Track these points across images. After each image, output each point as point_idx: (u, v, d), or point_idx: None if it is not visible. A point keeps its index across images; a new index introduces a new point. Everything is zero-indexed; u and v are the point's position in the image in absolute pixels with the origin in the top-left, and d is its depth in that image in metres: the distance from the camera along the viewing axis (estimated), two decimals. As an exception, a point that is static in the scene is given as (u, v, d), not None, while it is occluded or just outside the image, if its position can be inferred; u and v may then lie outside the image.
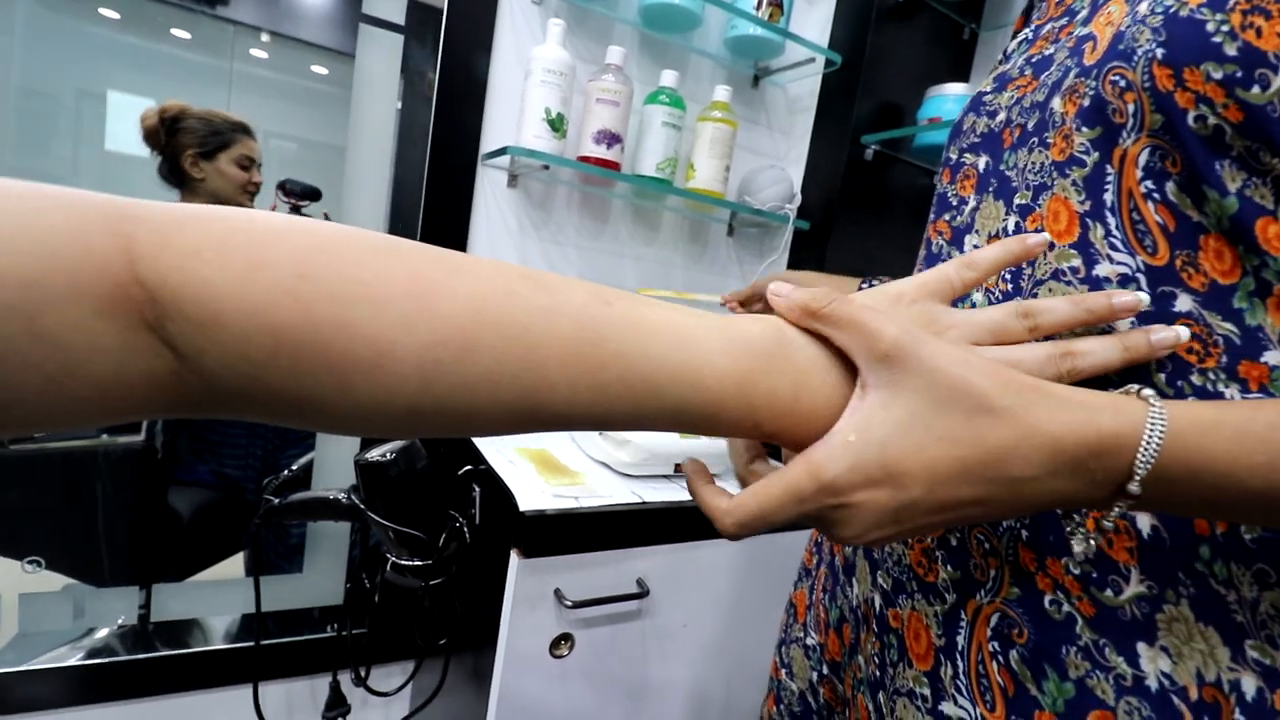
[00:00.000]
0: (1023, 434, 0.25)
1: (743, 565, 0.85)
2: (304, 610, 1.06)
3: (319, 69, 1.03)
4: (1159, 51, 0.28)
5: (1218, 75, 0.26)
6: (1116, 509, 0.26)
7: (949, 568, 0.36)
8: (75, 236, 0.20)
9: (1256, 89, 0.26)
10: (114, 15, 0.89)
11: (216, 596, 1.07)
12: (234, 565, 1.21)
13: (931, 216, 0.44)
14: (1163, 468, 0.24)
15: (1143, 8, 0.30)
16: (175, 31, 0.93)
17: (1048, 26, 0.41)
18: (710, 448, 0.86)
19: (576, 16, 1.02)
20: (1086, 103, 0.32)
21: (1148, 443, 0.24)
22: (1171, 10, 0.28)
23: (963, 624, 0.35)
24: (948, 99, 1.05)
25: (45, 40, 0.84)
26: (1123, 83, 0.29)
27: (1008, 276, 0.36)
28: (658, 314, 0.26)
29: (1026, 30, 0.44)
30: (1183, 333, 0.28)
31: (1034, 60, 0.39)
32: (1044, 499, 0.26)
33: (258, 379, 0.22)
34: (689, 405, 0.26)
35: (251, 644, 0.99)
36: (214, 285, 0.21)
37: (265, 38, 0.99)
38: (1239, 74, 0.26)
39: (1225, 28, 0.26)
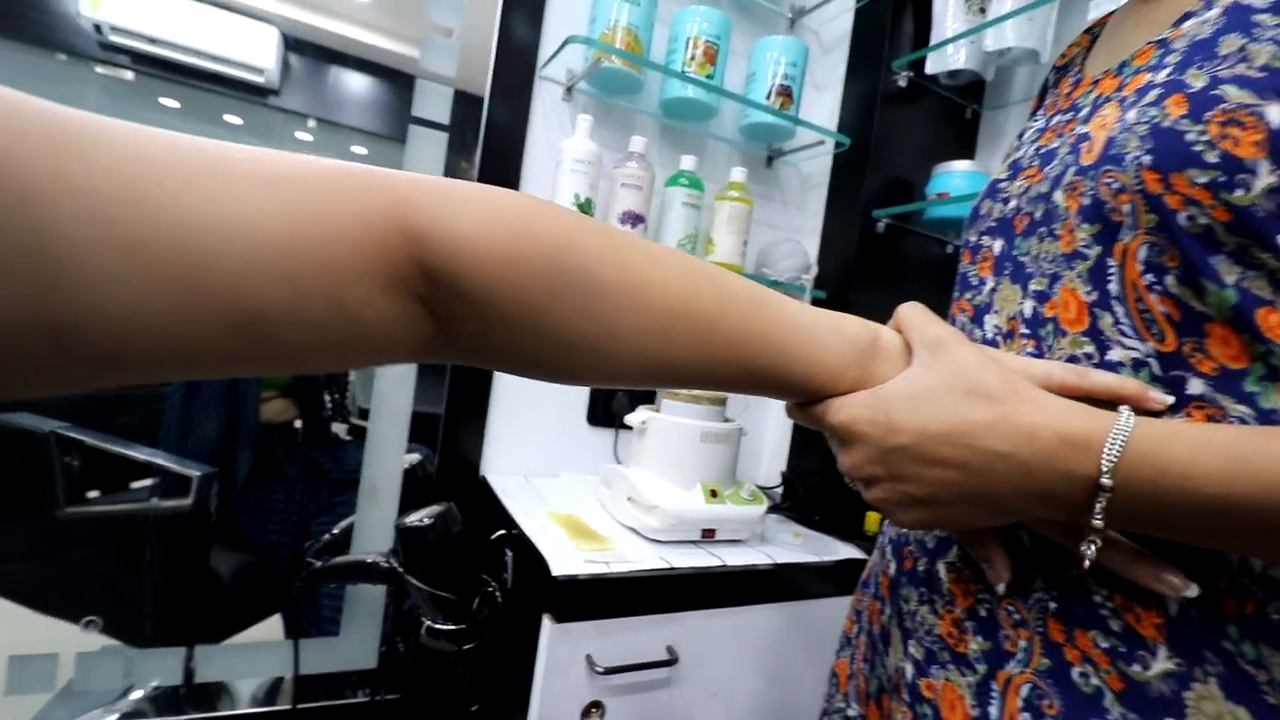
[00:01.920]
0: (1002, 416, 0.30)
1: (776, 633, 0.86)
2: (338, 674, 1.07)
3: (359, 149, 1.13)
4: (1146, 159, 0.31)
5: (1202, 180, 0.29)
6: (1097, 506, 0.29)
7: (979, 638, 0.37)
8: (364, 223, 0.24)
9: (1240, 192, 0.28)
10: (174, 104, 1.00)
11: (253, 659, 1.09)
12: (267, 628, 1.24)
13: (955, 294, 0.48)
14: (1129, 465, 0.28)
15: (1131, 115, 0.33)
16: (228, 117, 1.03)
17: (1056, 119, 0.43)
18: (735, 515, 0.88)
19: (602, 110, 1.11)
20: (1086, 201, 0.34)
21: (1113, 440, 0.28)
22: (1155, 121, 0.31)
23: (994, 694, 0.36)
24: (954, 175, 1.11)
25: None
26: (1117, 185, 0.32)
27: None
28: (792, 314, 0.34)
29: (1039, 119, 0.47)
30: (1168, 400, 0.32)
31: (1042, 151, 0.41)
32: (1022, 483, 0.30)
33: (505, 343, 0.28)
34: (801, 387, 0.35)
35: (286, 709, 1.01)
36: (485, 272, 0.26)
37: (311, 123, 1.09)
38: (1221, 178, 0.29)
39: (1204, 138, 0.29)
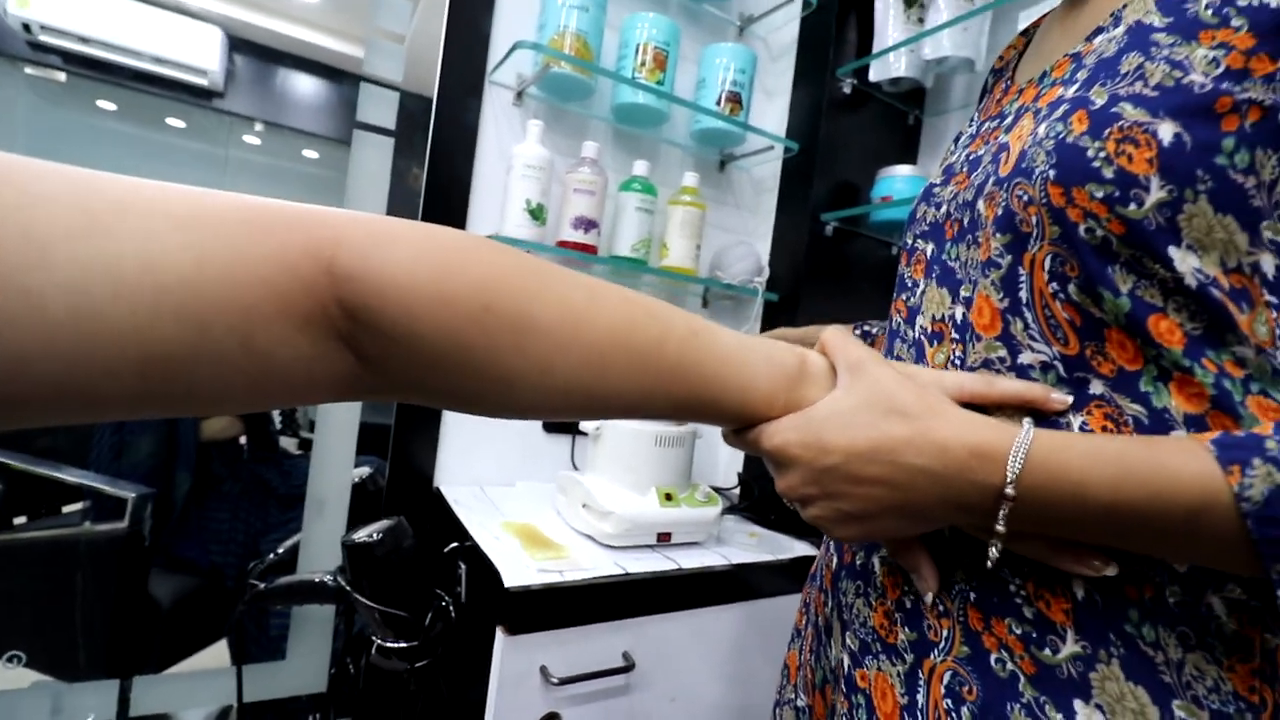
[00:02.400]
0: (918, 432, 0.32)
1: (734, 632, 0.86)
2: (287, 700, 1.03)
3: (310, 153, 1.10)
4: (1051, 173, 0.32)
5: (1099, 194, 0.31)
6: (1000, 513, 0.31)
7: (906, 629, 0.39)
8: (284, 264, 0.24)
9: (1133, 206, 0.30)
10: (111, 106, 0.95)
11: (197, 688, 1.04)
12: (213, 654, 1.18)
13: (894, 295, 0.49)
14: (1029, 473, 0.30)
15: (1041, 130, 0.34)
16: (170, 120, 0.99)
17: (986, 125, 0.45)
18: (690, 517, 0.88)
19: (554, 115, 1.11)
20: (1000, 211, 0.36)
21: (1016, 450, 0.30)
22: (1060, 136, 0.33)
23: (921, 682, 0.38)
24: (897, 179, 1.14)
25: (45, 130, 0.90)
26: (1025, 197, 0.34)
27: (948, 367, 0.40)
28: (726, 343, 0.35)
29: (972, 125, 0.49)
30: (1068, 400, 0.34)
31: (971, 158, 0.43)
32: (942, 496, 0.32)
33: (433, 381, 0.28)
34: (733, 414, 0.35)
35: (231, 738, 0.96)
36: (411, 310, 0.26)
37: (259, 126, 1.06)
38: (1117, 193, 0.30)
39: (1102, 154, 0.31)
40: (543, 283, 0.29)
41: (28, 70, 0.90)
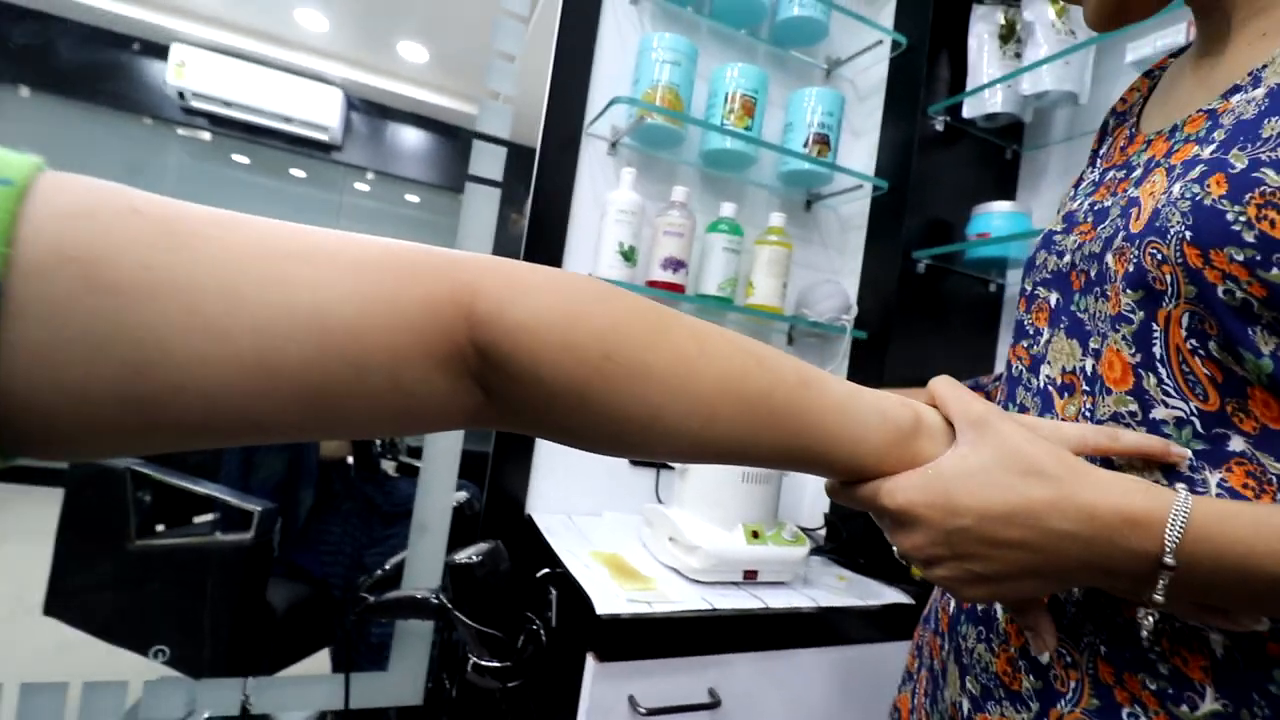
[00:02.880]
0: (1062, 495, 0.31)
1: (820, 677, 0.84)
2: (385, 710, 1.09)
3: (412, 197, 1.21)
4: (1187, 234, 0.32)
5: (1240, 258, 0.31)
6: (1160, 583, 0.29)
7: (1031, 677, 0.39)
8: (428, 309, 0.26)
9: (1275, 270, 0.30)
10: (245, 160, 1.09)
11: (303, 692, 1.12)
12: (317, 661, 1.26)
13: (1011, 340, 0.49)
14: (1190, 543, 0.29)
15: (1176, 189, 0.34)
16: (293, 171, 1.12)
17: (1110, 174, 0.45)
18: (777, 556, 0.88)
19: (645, 163, 1.17)
20: (1131, 268, 0.36)
21: (1174, 518, 0.29)
22: (1197, 198, 0.33)
23: None
24: (994, 215, 1.11)
25: (190, 181, 1.04)
26: (1159, 256, 0.34)
27: (1079, 419, 0.39)
28: (836, 394, 0.34)
29: (1094, 171, 0.49)
30: (1186, 453, 0.33)
31: (1096, 208, 0.43)
32: (1087, 560, 0.31)
33: (552, 420, 0.30)
34: (842, 467, 0.35)
35: (336, 743, 1.02)
36: (537, 356, 0.28)
37: (369, 175, 1.17)
38: (1258, 257, 0.30)
39: (1243, 218, 0.31)
40: (659, 329, 0.31)
41: (179, 131, 1.05)
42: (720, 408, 0.31)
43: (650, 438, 0.31)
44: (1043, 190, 1.21)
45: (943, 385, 0.37)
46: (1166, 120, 0.43)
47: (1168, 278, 0.34)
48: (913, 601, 0.92)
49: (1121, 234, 0.37)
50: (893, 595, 0.94)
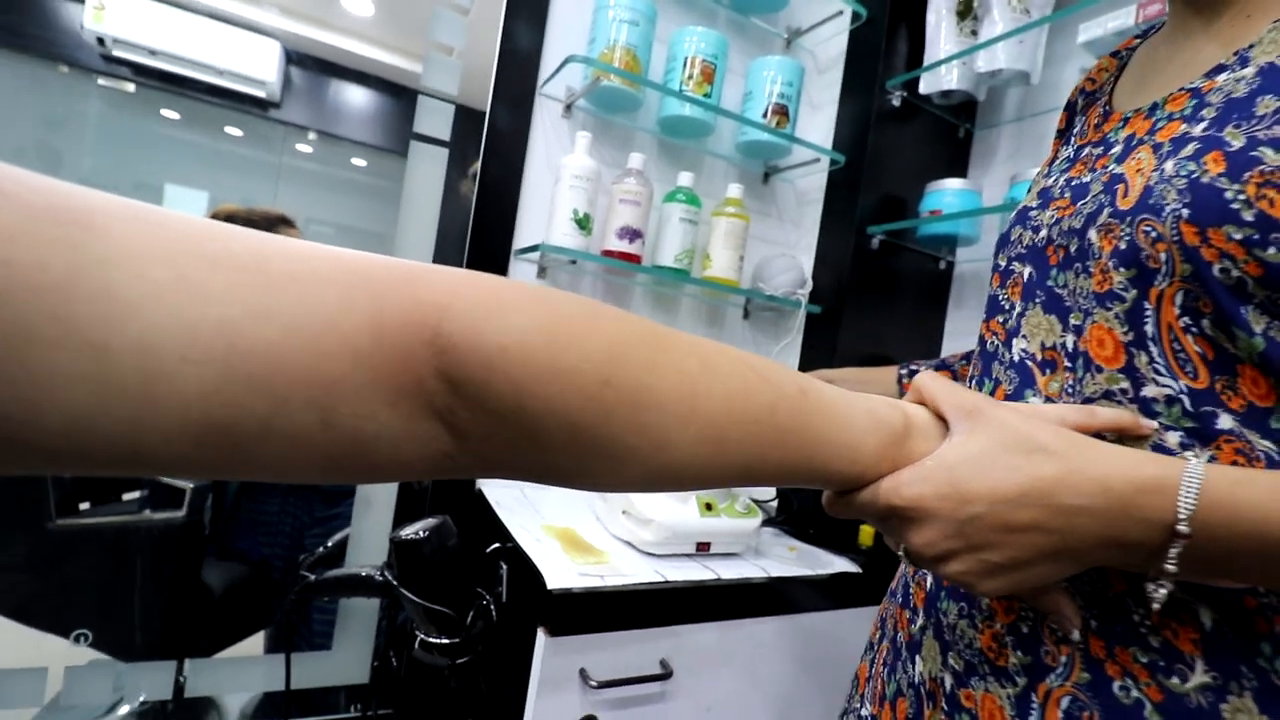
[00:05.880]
0: (1072, 469, 0.30)
1: (770, 646, 0.86)
2: (330, 689, 1.06)
3: (359, 161, 1.15)
4: (1185, 211, 0.32)
5: (1238, 236, 0.31)
6: (1172, 552, 0.29)
7: (1019, 653, 0.39)
8: (381, 335, 0.21)
9: (1272, 250, 0.30)
10: (175, 116, 1.01)
11: (243, 673, 1.08)
12: (258, 642, 1.22)
13: (984, 315, 0.49)
14: (1204, 510, 0.28)
15: (1169, 166, 0.34)
16: (229, 129, 1.05)
17: (1086, 150, 0.45)
18: (730, 528, 0.88)
19: (601, 127, 1.13)
20: (1122, 245, 0.36)
21: (1189, 484, 0.29)
22: (1194, 176, 0.32)
23: (1034, 706, 0.37)
24: (946, 192, 1.13)
25: (114, 137, 0.95)
26: (1154, 234, 0.34)
27: (1062, 395, 0.39)
28: (830, 399, 0.32)
29: (1068, 148, 0.49)
30: (1154, 425, 0.34)
31: (1073, 184, 0.42)
32: (1102, 535, 0.30)
33: (538, 462, 0.26)
34: (840, 476, 0.33)
35: (277, 723, 1.00)
36: (521, 386, 0.23)
37: (311, 135, 1.11)
38: (1256, 236, 0.30)
39: (1242, 196, 0.30)
40: (659, 351, 0.27)
41: (100, 81, 0.96)
42: (729, 430, 0.28)
43: (653, 470, 0.27)
44: (993, 169, 1.24)
45: (929, 380, 0.37)
46: (1144, 98, 0.42)
47: (1162, 255, 0.34)
48: (860, 570, 0.95)
49: (1107, 210, 0.37)
50: (841, 564, 0.96)
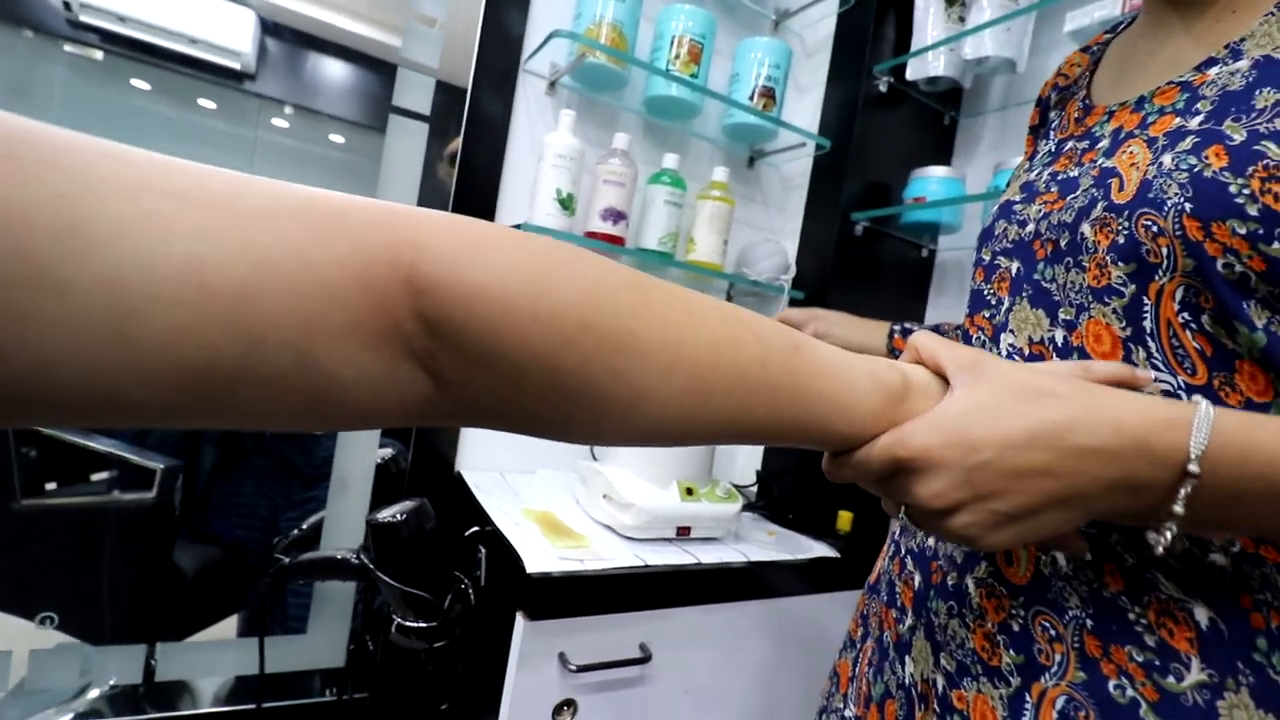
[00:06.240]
0: (1085, 409, 0.30)
1: (749, 630, 0.86)
2: (305, 673, 1.05)
3: (336, 137, 1.12)
4: (1187, 206, 0.32)
5: (1242, 231, 0.30)
6: (1181, 492, 0.28)
7: (1012, 652, 0.38)
8: (357, 273, 0.21)
9: (1277, 244, 0.30)
10: (145, 86, 0.97)
11: (217, 657, 1.07)
12: (231, 625, 1.21)
13: (968, 310, 0.48)
14: (1216, 450, 0.28)
15: (1167, 160, 0.34)
16: (202, 101, 1.01)
17: (1070, 144, 0.44)
18: (710, 513, 0.88)
19: (585, 106, 1.11)
20: (1121, 240, 0.35)
21: (1200, 425, 0.28)
22: (1196, 169, 0.32)
23: (1028, 706, 0.37)
24: (931, 180, 1.13)
25: (81, 107, 0.91)
26: (1155, 228, 0.33)
27: None
28: (825, 357, 0.32)
29: (1047, 143, 0.48)
30: (1151, 375, 0.34)
31: (1059, 178, 0.42)
32: (1114, 478, 0.29)
33: (517, 408, 0.25)
34: (838, 435, 0.32)
35: (250, 707, 0.99)
36: (499, 328, 0.23)
37: (288, 109, 1.07)
38: (1260, 231, 0.30)
39: (1246, 191, 0.30)
40: (643, 297, 0.26)
41: (66, 48, 0.92)
42: (714, 381, 0.27)
43: (635, 420, 0.26)
44: (977, 158, 1.24)
45: (927, 338, 0.36)
46: (1127, 92, 0.42)
47: (1164, 250, 0.33)
48: (838, 555, 0.96)
49: (1101, 204, 0.37)
50: (820, 549, 0.97)
